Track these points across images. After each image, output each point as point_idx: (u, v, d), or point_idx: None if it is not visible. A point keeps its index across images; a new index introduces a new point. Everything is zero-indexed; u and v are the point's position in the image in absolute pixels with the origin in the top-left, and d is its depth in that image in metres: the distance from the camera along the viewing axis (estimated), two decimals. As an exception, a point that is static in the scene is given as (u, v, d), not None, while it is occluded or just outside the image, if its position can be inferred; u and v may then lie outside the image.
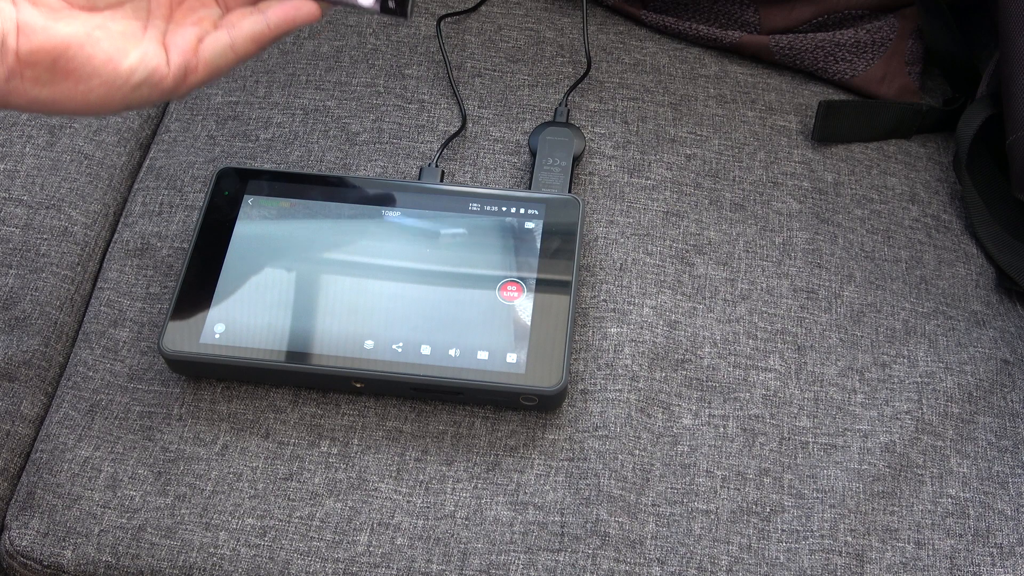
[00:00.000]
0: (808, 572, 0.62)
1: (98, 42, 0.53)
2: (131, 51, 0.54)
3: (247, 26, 0.56)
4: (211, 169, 0.76)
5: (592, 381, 0.67)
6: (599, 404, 0.66)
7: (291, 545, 0.62)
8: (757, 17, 0.82)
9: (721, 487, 0.64)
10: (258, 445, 0.65)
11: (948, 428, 0.68)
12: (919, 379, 0.69)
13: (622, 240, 0.73)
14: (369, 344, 0.64)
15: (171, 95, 0.56)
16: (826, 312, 0.72)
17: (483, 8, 0.85)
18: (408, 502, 0.63)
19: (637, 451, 0.65)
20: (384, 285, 0.67)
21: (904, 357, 0.70)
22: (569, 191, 0.72)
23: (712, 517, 0.63)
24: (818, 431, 0.67)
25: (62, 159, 0.76)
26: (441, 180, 0.74)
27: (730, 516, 0.64)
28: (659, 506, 0.64)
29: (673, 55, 0.83)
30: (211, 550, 0.62)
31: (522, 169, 0.76)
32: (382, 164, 0.76)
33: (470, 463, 0.64)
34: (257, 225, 0.69)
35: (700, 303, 0.71)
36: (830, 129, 0.79)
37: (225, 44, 0.56)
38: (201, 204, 0.73)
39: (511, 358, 0.64)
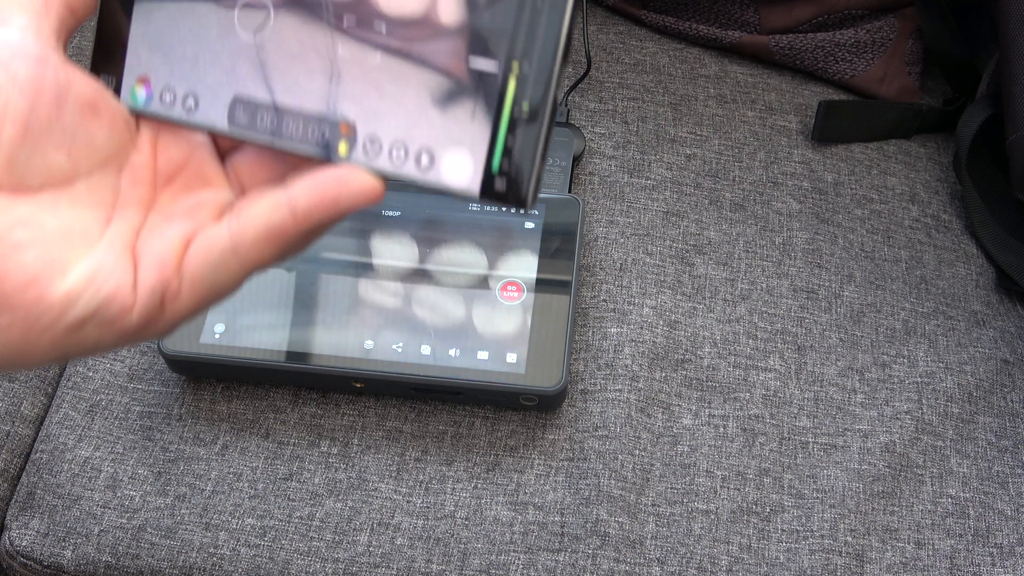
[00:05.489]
0: (808, 572, 0.62)
1: (18, 250, 0.33)
2: (73, 264, 0.34)
3: (258, 213, 0.34)
4: (211, 169, 0.76)
5: (592, 381, 0.67)
6: (599, 404, 0.66)
7: (291, 545, 0.62)
8: (757, 17, 0.82)
9: (721, 487, 0.64)
10: (258, 445, 0.65)
11: (948, 428, 0.68)
12: (919, 379, 0.69)
13: (622, 240, 0.73)
14: (369, 344, 0.64)
15: (136, 338, 0.35)
16: (826, 312, 0.72)
17: (483, 8, 0.85)
18: (408, 502, 0.63)
19: (637, 451, 0.65)
20: (384, 285, 0.67)
21: (904, 357, 0.70)
22: (569, 191, 0.72)
23: (712, 517, 0.63)
24: (818, 431, 0.67)
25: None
26: (441, 180, 0.74)
27: (730, 516, 0.64)
28: (659, 506, 0.64)
29: (673, 55, 0.83)
30: (211, 550, 0.62)
31: (522, 169, 0.76)
32: (382, 164, 0.76)
33: (470, 463, 0.64)
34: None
35: (700, 303, 0.71)
36: (830, 129, 0.79)
37: (223, 247, 0.35)
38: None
39: (511, 358, 0.64)
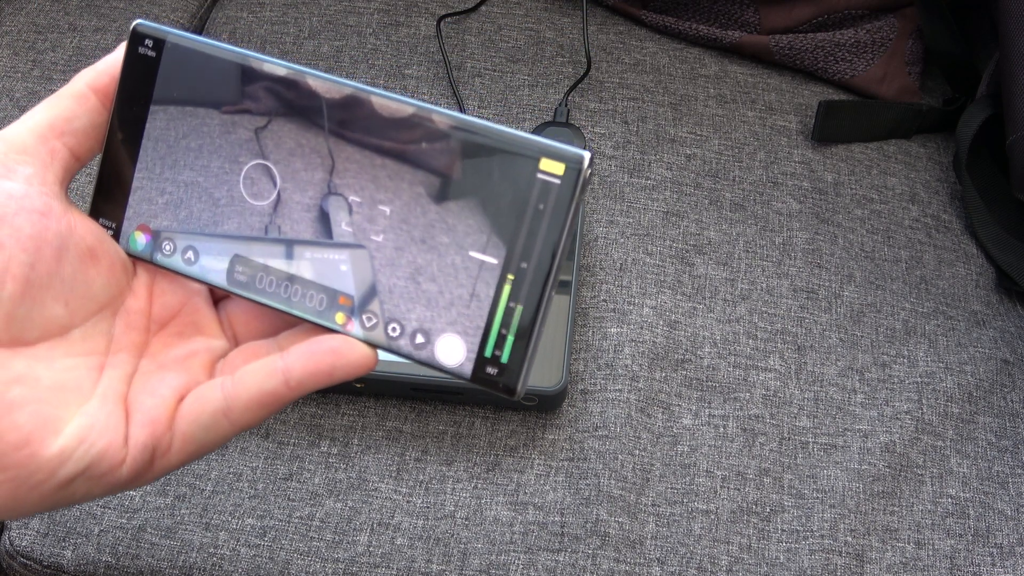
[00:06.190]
0: (808, 572, 0.62)
1: (13, 409, 0.33)
2: (66, 421, 0.34)
3: (253, 381, 0.35)
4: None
5: (592, 381, 0.67)
6: (599, 404, 0.66)
7: (291, 545, 0.62)
8: (757, 17, 0.82)
9: (721, 487, 0.64)
10: (258, 445, 0.65)
11: (948, 428, 0.68)
12: (919, 379, 0.69)
13: (622, 240, 0.73)
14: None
15: (124, 489, 0.35)
16: (826, 312, 0.72)
17: (483, 8, 0.85)
18: (408, 502, 0.63)
19: (637, 451, 0.65)
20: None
21: (904, 357, 0.70)
22: (569, 191, 0.72)
23: (712, 517, 0.63)
24: (818, 431, 0.67)
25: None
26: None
27: (730, 516, 0.64)
28: (659, 506, 0.64)
29: (673, 55, 0.83)
30: (211, 550, 0.62)
31: (522, 169, 0.76)
32: (382, 164, 0.76)
33: (470, 463, 0.64)
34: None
35: (700, 303, 0.71)
36: (830, 129, 0.79)
37: (216, 409, 0.35)
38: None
39: (511, 358, 0.64)
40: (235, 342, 0.39)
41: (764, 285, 0.72)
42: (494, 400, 0.65)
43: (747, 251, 0.73)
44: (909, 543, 0.64)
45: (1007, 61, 0.73)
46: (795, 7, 0.82)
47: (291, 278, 0.38)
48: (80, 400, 0.35)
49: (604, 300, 0.70)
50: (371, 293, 0.37)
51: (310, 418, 0.66)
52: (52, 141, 0.37)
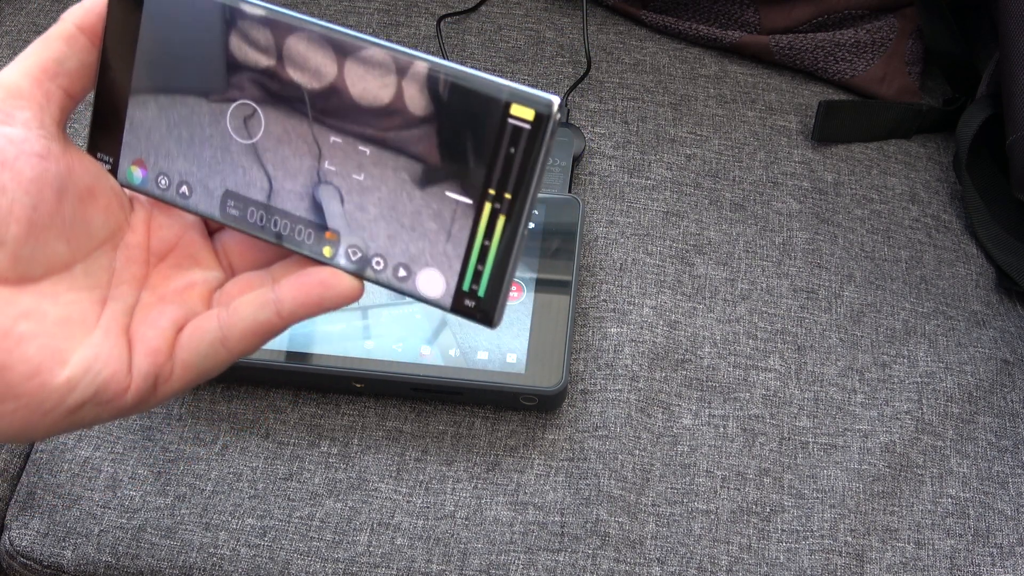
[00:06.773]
0: (808, 572, 0.62)
1: (22, 342, 0.35)
2: (72, 352, 0.36)
3: (247, 312, 0.37)
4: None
5: (592, 381, 0.67)
6: (599, 404, 0.66)
7: (291, 545, 0.62)
8: (757, 17, 0.82)
9: (721, 487, 0.64)
10: (258, 445, 0.65)
11: (948, 428, 0.68)
12: (919, 379, 0.69)
13: (622, 240, 0.73)
14: (369, 344, 0.64)
15: (131, 413, 0.37)
16: (826, 312, 0.72)
17: (483, 8, 0.85)
18: (408, 502, 0.63)
19: (637, 451, 0.65)
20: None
21: (904, 357, 0.70)
22: (569, 191, 0.72)
23: (712, 517, 0.63)
24: (818, 431, 0.67)
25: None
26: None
27: (730, 516, 0.64)
28: (659, 506, 0.64)
29: (673, 55, 0.83)
30: (211, 550, 0.62)
31: (522, 169, 0.76)
32: (382, 164, 0.76)
33: (470, 463, 0.64)
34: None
35: (700, 303, 0.71)
36: (830, 129, 0.79)
37: (213, 339, 0.37)
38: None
39: (511, 358, 0.64)
40: (231, 272, 0.41)
41: (764, 285, 0.72)
42: (494, 400, 0.65)
43: (747, 251, 0.73)
44: (909, 543, 0.64)
45: (1007, 61, 0.73)
46: (795, 7, 0.82)
47: (281, 212, 0.39)
48: (84, 332, 0.37)
49: (604, 300, 0.70)
50: (355, 228, 0.38)
51: (310, 418, 0.66)
52: (46, 83, 0.38)
